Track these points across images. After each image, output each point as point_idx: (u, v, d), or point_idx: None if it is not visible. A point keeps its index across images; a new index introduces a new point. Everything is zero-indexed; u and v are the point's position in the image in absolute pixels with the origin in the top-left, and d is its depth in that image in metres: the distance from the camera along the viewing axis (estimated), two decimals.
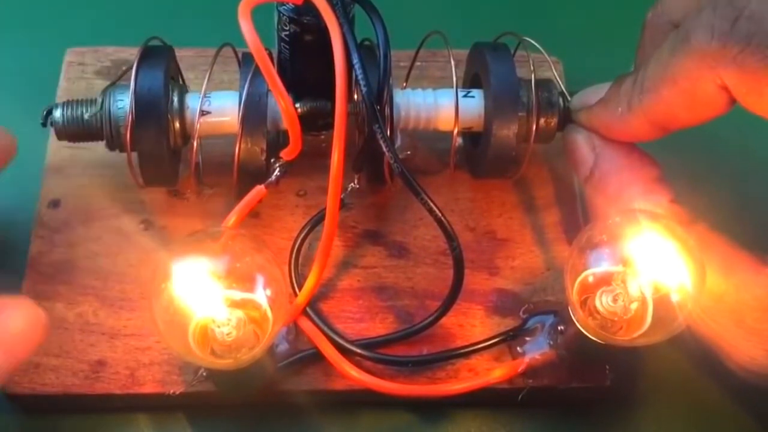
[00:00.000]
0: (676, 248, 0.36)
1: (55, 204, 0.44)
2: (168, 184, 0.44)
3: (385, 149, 0.38)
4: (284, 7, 0.40)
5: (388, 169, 0.42)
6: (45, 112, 0.42)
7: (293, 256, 0.43)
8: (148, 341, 0.41)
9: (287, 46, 0.42)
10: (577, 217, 0.45)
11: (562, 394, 0.41)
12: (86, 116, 0.41)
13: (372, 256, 0.44)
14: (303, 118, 0.41)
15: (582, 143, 0.42)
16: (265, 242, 0.43)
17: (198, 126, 0.41)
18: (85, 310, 0.41)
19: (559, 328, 0.40)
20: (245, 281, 0.36)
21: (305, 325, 0.41)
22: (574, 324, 0.38)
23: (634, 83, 0.38)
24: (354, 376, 0.40)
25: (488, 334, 0.42)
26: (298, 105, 0.42)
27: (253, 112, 0.41)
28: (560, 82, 0.44)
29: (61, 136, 0.41)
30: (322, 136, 0.45)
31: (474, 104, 0.43)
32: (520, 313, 0.42)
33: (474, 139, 0.45)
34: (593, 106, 0.41)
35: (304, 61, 0.42)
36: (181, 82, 0.44)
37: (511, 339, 0.41)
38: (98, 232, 0.44)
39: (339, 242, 0.44)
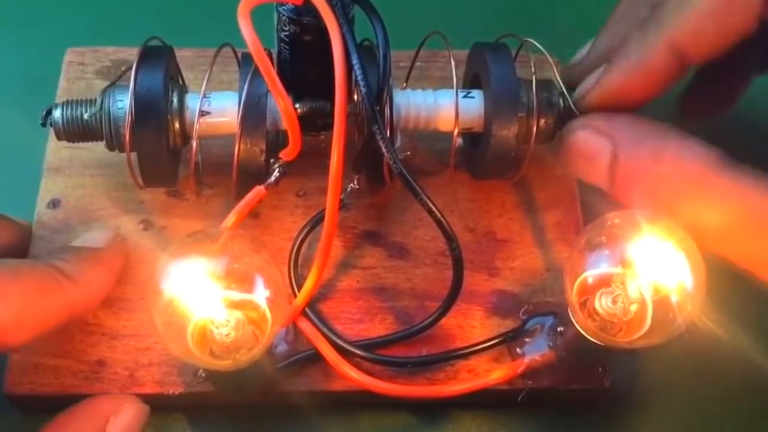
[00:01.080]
0: (676, 249, 0.36)
1: (54, 204, 0.44)
2: (167, 184, 0.43)
3: (384, 150, 0.38)
4: (284, 7, 0.40)
5: (388, 169, 0.42)
6: (44, 112, 0.41)
7: (292, 256, 0.43)
8: (148, 342, 0.41)
9: (287, 47, 0.42)
10: (577, 218, 0.45)
11: (562, 395, 0.41)
12: (86, 116, 0.41)
13: (371, 257, 0.44)
14: (302, 119, 0.41)
15: (589, 134, 0.39)
16: (265, 243, 0.43)
17: (197, 126, 0.41)
18: None
19: (558, 329, 0.40)
20: (244, 282, 0.36)
21: (304, 325, 0.41)
22: (574, 325, 0.38)
23: (644, 23, 0.37)
24: (353, 377, 0.40)
25: (488, 335, 0.42)
26: (297, 105, 0.42)
27: (253, 113, 0.41)
28: (560, 83, 0.44)
29: (60, 136, 0.41)
30: (322, 137, 0.45)
31: (474, 105, 0.43)
32: (520, 314, 0.42)
33: (474, 139, 0.45)
34: (601, 78, 0.39)
35: (303, 62, 0.42)
36: (180, 82, 0.44)
37: (511, 340, 0.41)
38: None
39: (338, 243, 0.44)
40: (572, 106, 0.42)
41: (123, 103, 0.40)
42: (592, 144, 0.38)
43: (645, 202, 0.36)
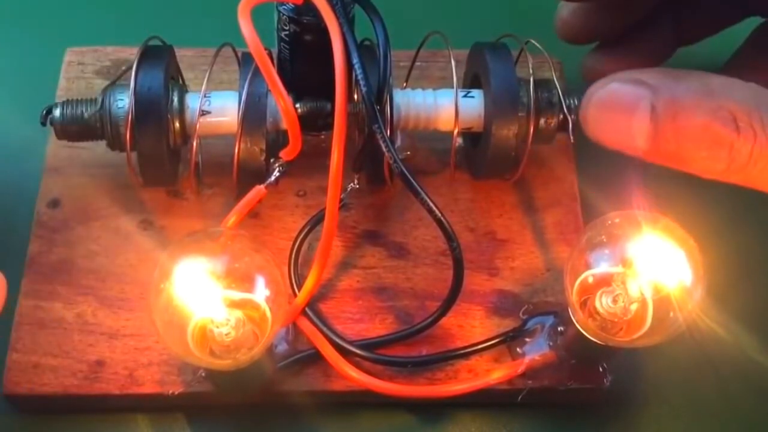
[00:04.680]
0: (676, 249, 0.36)
1: (54, 204, 0.44)
2: (167, 183, 0.43)
3: (385, 149, 0.38)
4: (284, 6, 0.40)
5: (388, 169, 0.42)
6: (44, 112, 0.41)
7: (293, 256, 0.43)
8: (147, 341, 0.41)
9: (287, 46, 0.42)
10: (576, 218, 0.45)
11: (562, 395, 0.41)
12: (86, 116, 0.41)
13: (372, 257, 0.44)
14: (303, 118, 0.41)
15: (621, 86, 0.35)
16: (265, 242, 0.43)
17: (198, 126, 0.41)
18: (84, 310, 0.41)
19: (558, 329, 0.40)
20: (244, 281, 0.36)
21: (304, 325, 0.41)
22: (574, 325, 0.38)
23: None
24: (353, 376, 0.40)
25: (488, 334, 0.42)
26: (297, 105, 0.42)
27: (253, 112, 0.41)
28: (558, 84, 0.44)
29: (60, 135, 0.41)
30: (322, 136, 0.45)
31: (474, 104, 0.43)
32: (520, 314, 0.42)
33: (474, 139, 0.45)
34: None
35: (304, 61, 0.42)
36: (181, 81, 0.44)
37: (511, 340, 0.41)
38: (97, 231, 0.44)
39: (338, 242, 0.44)
40: (564, 109, 0.42)
41: (123, 102, 0.40)
42: (627, 93, 0.34)
43: (696, 147, 0.33)
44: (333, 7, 0.38)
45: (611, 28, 0.47)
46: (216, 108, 0.42)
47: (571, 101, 0.42)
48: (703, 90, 0.33)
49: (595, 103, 0.35)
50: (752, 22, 0.47)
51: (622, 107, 0.34)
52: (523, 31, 0.44)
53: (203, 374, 0.39)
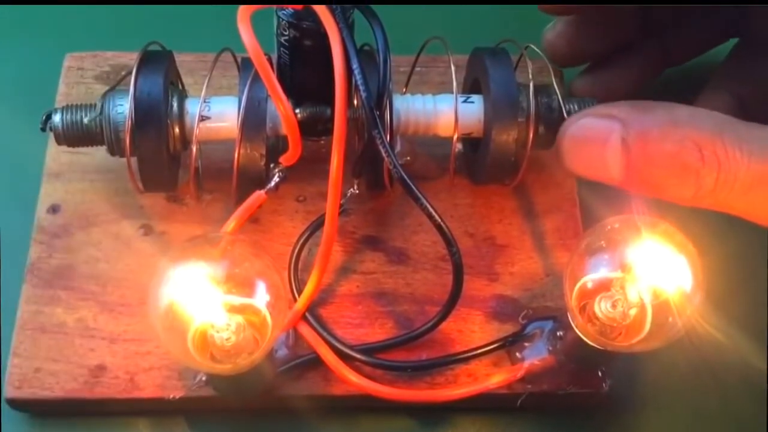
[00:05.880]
0: (675, 254, 0.37)
1: (54, 209, 0.44)
2: (167, 189, 0.44)
3: (384, 155, 0.38)
4: (284, 12, 0.40)
5: (388, 174, 0.42)
6: (44, 117, 0.41)
7: (293, 261, 0.43)
8: (148, 346, 0.41)
9: (287, 51, 0.42)
10: (576, 223, 0.45)
11: (561, 399, 0.41)
12: (85, 121, 0.41)
13: (371, 262, 0.44)
14: (302, 124, 0.41)
15: (593, 120, 0.37)
16: (265, 248, 0.43)
17: (197, 131, 0.41)
18: (85, 315, 0.41)
19: (558, 333, 0.40)
20: (244, 286, 0.36)
21: (305, 330, 0.41)
22: (573, 330, 0.38)
23: None
24: (353, 381, 0.40)
25: (487, 339, 0.42)
26: (297, 110, 0.42)
27: (253, 118, 0.41)
28: (558, 90, 0.44)
29: (60, 140, 0.41)
30: (322, 142, 0.45)
31: (473, 110, 0.43)
32: (519, 319, 0.42)
33: (473, 144, 0.45)
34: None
35: (303, 67, 0.42)
36: (180, 87, 0.44)
37: (510, 344, 0.41)
38: (98, 237, 0.44)
39: (338, 248, 0.44)
40: (564, 114, 0.42)
41: (123, 107, 0.40)
42: (599, 127, 0.36)
43: (666, 174, 0.35)
44: (332, 12, 0.39)
45: (597, 50, 0.48)
46: (216, 113, 0.42)
47: (571, 106, 0.42)
48: (669, 121, 0.35)
49: (569, 138, 0.38)
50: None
51: (595, 141, 0.36)
52: (523, 36, 0.44)
53: (204, 379, 0.39)
